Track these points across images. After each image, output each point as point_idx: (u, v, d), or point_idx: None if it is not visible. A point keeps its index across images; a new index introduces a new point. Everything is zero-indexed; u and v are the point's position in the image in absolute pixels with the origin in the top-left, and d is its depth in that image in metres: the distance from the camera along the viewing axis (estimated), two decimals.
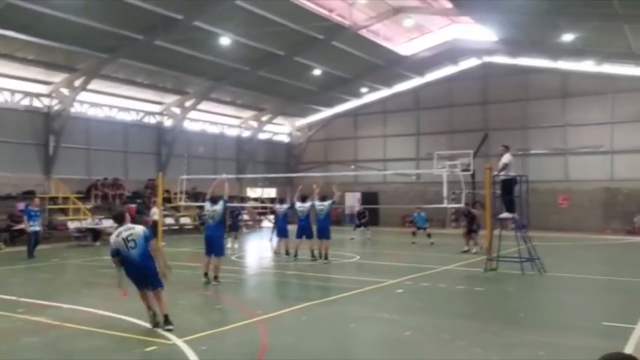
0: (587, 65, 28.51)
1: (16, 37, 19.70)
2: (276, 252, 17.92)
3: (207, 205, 12.25)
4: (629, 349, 6.74)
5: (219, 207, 12.07)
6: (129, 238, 7.75)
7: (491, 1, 20.10)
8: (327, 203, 16.09)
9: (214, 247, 11.89)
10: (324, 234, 15.73)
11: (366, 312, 9.10)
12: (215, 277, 11.90)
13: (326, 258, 15.62)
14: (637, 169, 28.01)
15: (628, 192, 28.26)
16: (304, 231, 16.26)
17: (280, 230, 17.64)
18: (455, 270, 14.76)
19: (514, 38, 25.80)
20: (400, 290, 11.40)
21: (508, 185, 14.58)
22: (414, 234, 22.32)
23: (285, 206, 18.08)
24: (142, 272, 7.75)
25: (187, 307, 9.67)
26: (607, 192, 28.82)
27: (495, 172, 14.58)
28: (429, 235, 21.67)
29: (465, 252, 18.31)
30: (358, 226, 24.48)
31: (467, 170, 27.58)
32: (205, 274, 11.93)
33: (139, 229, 7.95)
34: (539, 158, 30.54)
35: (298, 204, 16.53)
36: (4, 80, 22.71)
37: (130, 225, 8.00)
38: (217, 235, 12.06)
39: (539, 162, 30.30)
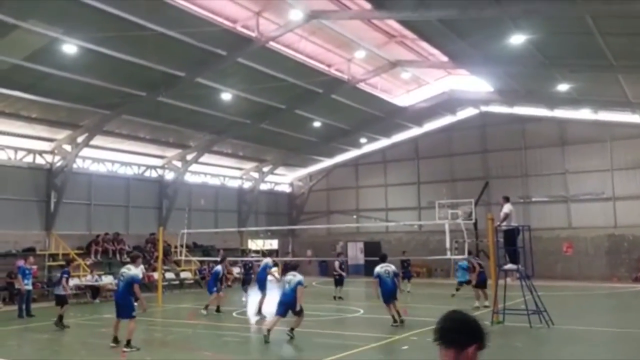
0: (584, 114, 28.82)
1: (21, 97, 20.04)
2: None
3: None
4: None
5: (298, 276, 12.51)
6: (123, 275, 11.40)
7: (486, 55, 20.51)
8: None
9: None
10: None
11: None
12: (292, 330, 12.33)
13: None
14: None
15: (633, 238, 28.03)
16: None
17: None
18: None
19: (510, 88, 26.20)
20: (405, 347, 11.15)
21: (510, 236, 14.52)
22: (457, 289, 20.05)
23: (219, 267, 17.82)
24: (119, 301, 11.31)
25: None
26: (611, 239, 28.58)
27: (497, 223, 14.56)
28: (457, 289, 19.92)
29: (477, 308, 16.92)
30: (404, 278, 22.89)
31: (469, 219, 27.56)
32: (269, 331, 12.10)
33: (133, 271, 11.36)
34: (541, 206, 30.49)
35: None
36: (8, 139, 22.95)
37: (130, 267, 11.54)
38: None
39: (541, 210, 30.23)
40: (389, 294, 13.83)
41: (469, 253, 18.26)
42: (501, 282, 14.08)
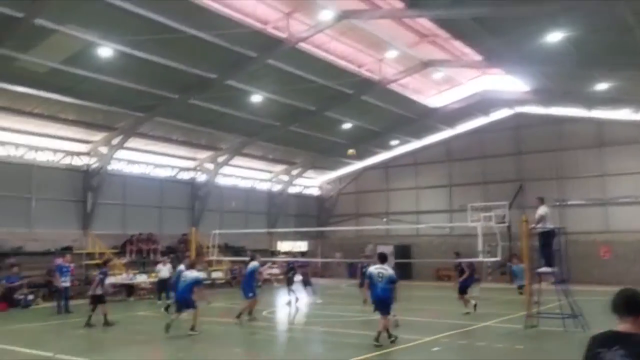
0: (624, 114, 28.03)
1: (59, 100, 20.60)
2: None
3: (375, 266, 12.01)
4: None
5: (389, 268, 11.87)
6: (185, 277, 13.47)
7: (521, 53, 20.12)
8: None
9: (384, 307, 11.63)
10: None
11: None
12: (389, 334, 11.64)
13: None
14: None
15: None
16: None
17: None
18: (494, 326, 14.21)
19: (546, 88, 25.66)
20: (436, 349, 11.00)
21: (546, 238, 14.19)
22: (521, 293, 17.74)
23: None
24: (182, 297, 13.35)
25: None
26: None
27: (532, 225, 14.25)
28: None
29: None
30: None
31: (503, 222, 27.06)
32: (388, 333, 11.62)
33: (194, 274, 13.61)
34: (578, 209, 29.73)
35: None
36: (47, 140, 23.59)
37: (192, 270, 13.74)
38: (387, 295, 11.70)
39: (577, 213, 29.47)
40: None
41: (501, 264, 16.99)
42: (535, 286, 13.79)
